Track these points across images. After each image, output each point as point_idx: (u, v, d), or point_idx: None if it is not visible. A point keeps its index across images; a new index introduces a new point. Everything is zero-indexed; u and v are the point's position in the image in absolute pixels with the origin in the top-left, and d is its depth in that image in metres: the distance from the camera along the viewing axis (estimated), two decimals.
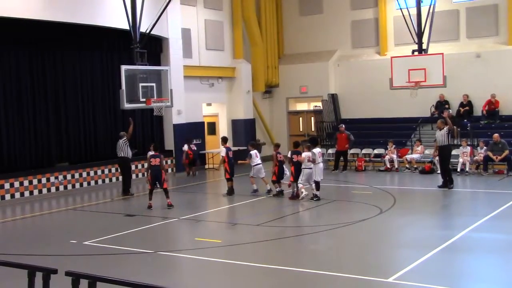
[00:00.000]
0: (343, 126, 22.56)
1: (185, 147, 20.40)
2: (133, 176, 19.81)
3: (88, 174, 19.71)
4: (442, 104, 23.36)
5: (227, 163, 16.93)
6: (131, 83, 16.40)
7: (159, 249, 11.16)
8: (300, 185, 15.68)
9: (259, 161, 17.01)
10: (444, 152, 16.92)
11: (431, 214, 13.98)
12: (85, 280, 5.41)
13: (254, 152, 17.04)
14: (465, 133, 21.17)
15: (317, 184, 15.69)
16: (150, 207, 15.17)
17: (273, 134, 27.99)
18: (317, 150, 15.80)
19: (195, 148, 22.13)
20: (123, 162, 17.66)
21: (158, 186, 15.32)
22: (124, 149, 17.41)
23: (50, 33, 18.53)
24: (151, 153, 18.46)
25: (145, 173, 17.03)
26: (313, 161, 15.51)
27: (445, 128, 16.67)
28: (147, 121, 22.18)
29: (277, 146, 17.27)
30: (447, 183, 16.90)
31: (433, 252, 10.14)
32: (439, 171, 19.99)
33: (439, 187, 16.97)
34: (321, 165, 15.83)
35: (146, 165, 18.89)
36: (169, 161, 22.18)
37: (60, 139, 19.37)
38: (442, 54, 19.08)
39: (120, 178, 18.61)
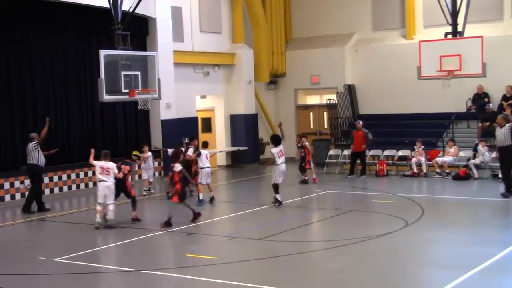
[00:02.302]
0: (361, 122, 22.49)
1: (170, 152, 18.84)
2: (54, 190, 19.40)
3: (60, 178, 19.69)
4: (480, 97, 23.28)
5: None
6: (112, 71, 16.39)
7: (144, 267, 11.11)
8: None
9: (209, 164, 17.21)
10: (507, 154, 16.83)
11: (467, 228, 13.90)
12: None
13: (205, 152, 17.17)
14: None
15: (274, 186, 16.28)
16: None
17: (279, 131, 27.90)
18: (275, 150, 16.24)
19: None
20: (31, 171, 16.77)
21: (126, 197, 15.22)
22: (33, 154, 16.49)
23: (13, 12, 18.48)
24: (148, 154, 18.63)
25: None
26: (273, 163, 16.27)
27: (507, 125, 16.61)
28: (130, 117, 22.16)
29: (300, 136, 19.41)
30: (511, 189, 16.79)
31: (470, 273, 10.05)
32: (476, 177, 20.02)
33: (504, 196, 16.70)
34: (282, 166, 16.24)
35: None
36: (156, 163, 22.13)
37: (27, 137, 19.28)
38: (482, 37, 18.97)
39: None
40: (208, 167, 17.15)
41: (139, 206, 15.43)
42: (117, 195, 15.11)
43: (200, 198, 16.91)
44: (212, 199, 17.17)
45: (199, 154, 16.95)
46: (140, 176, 20.34)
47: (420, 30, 25.38)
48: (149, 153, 19.46)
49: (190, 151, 17.03)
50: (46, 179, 19.22)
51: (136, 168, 18.37)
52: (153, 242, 13.38)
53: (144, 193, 18.53)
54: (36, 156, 16.55)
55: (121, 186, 15.01)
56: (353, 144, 22.11)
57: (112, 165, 14.56)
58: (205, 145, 17.64)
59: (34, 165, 16.62)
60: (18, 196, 18.49)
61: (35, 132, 16.96)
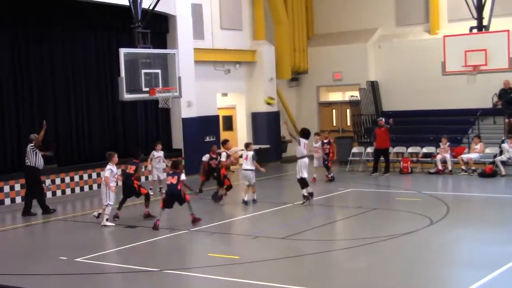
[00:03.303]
0: (383, 119, 22.39)
1: (206, 157, 18.38)
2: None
3: (81, 177, 19.84)
4: (507, 93, 23.08)
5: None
6: (132, 70, 16.49)
7: (166, 266, 11.20)
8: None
9: (248, 166, 16.83)
10: None
11: (494, 226, 13.81)
12: None
13: (246, 153, 16.97)
14: None
15: (302, 181, 16.55)
16: (116, 217, 15.20)
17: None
18: (304, 140, 16.77)
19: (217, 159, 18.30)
20: (28, 173, 16.70)
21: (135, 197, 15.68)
22: (31, 157, 16.46)
23: (34, 12, 18.66)
24: (156, 153, 18.75)
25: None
26: None
27: None
28: (151, 115, 22.26)
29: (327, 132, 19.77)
30: None
31: (496, 272, 10.00)
32: (503, 174, 19.86)
33: None
34: (306, 160, 16.64)
35: (149, 166, 19.13)
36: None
37: (47, 136, 19.41)
38: (508, 31, 18.81)
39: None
40: (246, 169, 16.79)
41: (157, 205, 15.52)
42: (127, 196, 15.51)
43: (245, 199, 16.86)
44: (254, 201, 17.01)
45: (240, 156, 17.28)
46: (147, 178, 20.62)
47: (445, 24, 25.21)
48: (161, 152, 19.22)
49: (224, 156, 17.30)
50: (67, 179, 19.41)
51: (143, 169, 18.54)
52: (175, 242, 13.44)
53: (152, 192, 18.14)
54: (33, 158, 16.50)
55: (128, 187, 15.35)
56: (376, 141, 22.05)
57: (106, 168, 14.97)
58: (246, 146, 17.40)
59: (31, 167, 16.59)
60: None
61: (35, 134, 16.83)
